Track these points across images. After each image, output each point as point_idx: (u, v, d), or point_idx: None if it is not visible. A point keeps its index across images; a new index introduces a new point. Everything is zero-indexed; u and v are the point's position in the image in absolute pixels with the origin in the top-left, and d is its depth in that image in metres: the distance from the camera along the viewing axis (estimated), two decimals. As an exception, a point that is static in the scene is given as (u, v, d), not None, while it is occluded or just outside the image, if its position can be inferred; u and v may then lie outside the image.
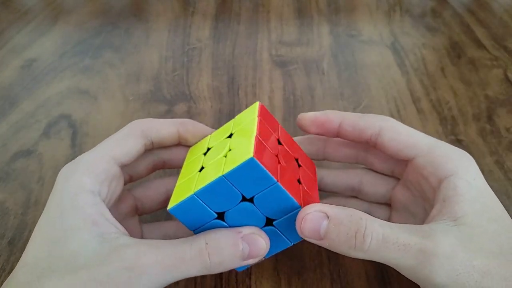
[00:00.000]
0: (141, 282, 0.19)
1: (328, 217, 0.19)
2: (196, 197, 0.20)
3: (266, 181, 0.20)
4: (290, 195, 0.20)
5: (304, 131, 0.25)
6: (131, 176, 0.26)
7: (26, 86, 0.43)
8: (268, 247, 0.21)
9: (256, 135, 0.21)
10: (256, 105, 0.24)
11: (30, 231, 0.29)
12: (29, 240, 0.20)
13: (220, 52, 0.48)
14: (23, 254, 0.20)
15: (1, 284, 0.26)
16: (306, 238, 0.20)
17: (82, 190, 0.20)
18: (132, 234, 0.22)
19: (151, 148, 0.25)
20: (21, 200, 0.31)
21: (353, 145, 0.26)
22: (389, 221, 0.21)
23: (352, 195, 0.27)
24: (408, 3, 0.57)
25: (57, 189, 0.21)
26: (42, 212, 0.30)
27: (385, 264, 0.26)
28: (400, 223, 0.20)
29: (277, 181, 0.19)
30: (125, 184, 0.25)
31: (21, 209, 0.30)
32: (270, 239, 0.22)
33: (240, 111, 0.31)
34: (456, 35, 0.49)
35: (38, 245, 0.20)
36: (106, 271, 0.18)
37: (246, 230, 0.21)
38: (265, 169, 0.19)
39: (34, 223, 0.29)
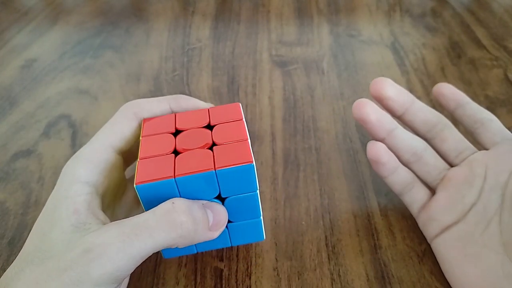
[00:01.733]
0: (101, 262, 0.17)
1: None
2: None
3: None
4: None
5: (439, 98, 0.29)
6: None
7: (26, 86, 0.43)
8: (227, 218, 0.21)
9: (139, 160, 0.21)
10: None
11: (30, 231, 0.29)
12: None
13: (220, 52, 0.48)
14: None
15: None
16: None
17: (76, 181, 0.20)
18: None
19: None
20: (21, 200, 0.31)
21: (434, 114, 0.28)
22: (431, 198, 0.26)
23: (409, 161, 0.28)
24: (408, 3, 0.57)
25: (56, 184, 0.21)
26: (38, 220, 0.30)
27: (385, 265, 0.26)
28: (446, 200, 0.25)
29: (174, 177, 0.19)
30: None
31: (21, 209, 0.30)
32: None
33: (240, 111, 0.31)
34: (456, 35, 0.49)
35: (30, 237, 0.20)
36: (69, 258, 0.18)
37: (204, 201, 0.21)
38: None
39: (34, 224, 0.29)
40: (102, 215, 0.21)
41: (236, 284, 0.25)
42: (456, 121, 0.29)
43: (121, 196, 0.24)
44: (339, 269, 0.26)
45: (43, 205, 0.31)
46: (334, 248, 0.27)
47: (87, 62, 0.46)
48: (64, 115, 0.39)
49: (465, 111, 0.28)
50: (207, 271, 0.26)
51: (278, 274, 0.26)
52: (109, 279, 0.18)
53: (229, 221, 0.22)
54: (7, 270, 0.20)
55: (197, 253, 0.26)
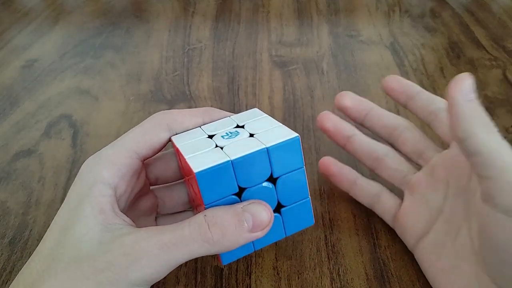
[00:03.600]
0: (140, 266, 0.18)
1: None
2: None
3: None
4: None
5: (390, 93, 0.28)
6: (158, 177, 0.25)
7: (27, 86, 0.43)
8: (272, 217, 0.21)
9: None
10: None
11: (31, 231, 0.29)
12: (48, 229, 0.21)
13: (220, 52, 0.48)
14: (40, 242, 0.20)
15: (1, 283, 0.26)
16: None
17: (99, 181, 0.21)
18: None
19: None
20: (22, 200, 0.31)
21: (394, 118, 0.28)
22: (400, 206, 0.26)
23: (372, 167, 0.28)
24: (408, 3, 0.57)
25: (77, 180, 0.21)
26: (43, 212, 0.30)
27: (385, 264, 0.26)
28: (413, 209, 0.25)
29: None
30: (151, 185, 0.25)
31: (22, 209, 0.30)
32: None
33: (240, 111, 0.31)
34: (455, 35, 0.49)
35: (51, 232, 0.20)
36: (106, 259, 0.18)
37: (247, 202, 0.21)
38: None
39: (35, 223, 0.30)
40: (126, 217, 0.21)
41: (236, 283, 0.25)
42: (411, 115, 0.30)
43: (135, 202, 0.24)
44: (338, 268, 0.26)
45: (44, 204, 0.31)
46: (333, 247, 0.27)
47: (88, 62, 0.47)
48: (65, 115, 0.39)
49: (416, 103, 0.27)
50: (207, 270, 0.26)
51: (278, 273, 0.26)
52: (144, 282, 0.19)
53: (281, 206, 0.22)
54: (28, 265, 0.20)
55: None
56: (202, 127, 0.24)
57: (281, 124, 0.22)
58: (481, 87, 0.41)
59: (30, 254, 0.20)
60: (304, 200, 0.23)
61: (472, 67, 0.44)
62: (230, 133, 0.22)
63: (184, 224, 0.19)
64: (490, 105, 0.38)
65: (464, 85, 0.20)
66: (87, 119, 0.39)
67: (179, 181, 0.26)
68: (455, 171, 0.24)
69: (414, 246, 0.25)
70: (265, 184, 0.21)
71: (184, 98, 0.41)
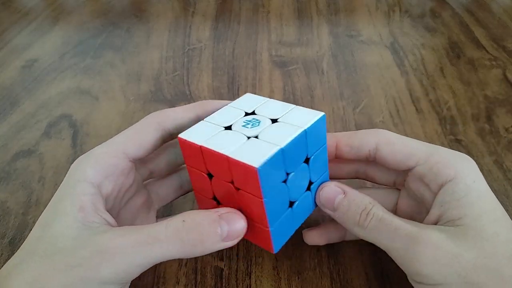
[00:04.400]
0: (113, 264, 0.18)
1: (344, 192, 0.23)
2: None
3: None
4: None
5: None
6: (152, 171, 0.26)
7: (27, 87, 0.43)
8: (245, 228, 0.21)
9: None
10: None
11: (31, 231, 0.29)
12: None
13: (220, 52, 0.48)
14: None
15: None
16: (321, 206, 0.23)
17: (82, 180, 0.21)
18: None
19: (171, 138, 0.25)
20: (22, 200, 0.31)
21: (352, 162, 0.26)
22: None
23: None
24: (408, 3, 0.57)
25: (64, 179, 0.22)
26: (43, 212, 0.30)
27: (385, 264, 0.26)
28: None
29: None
30: (145, 179, 0.25)
31: (22, 209, 0.30)
32: (300, 208, 0.22)
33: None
34: (455, 35, 0.49)
35: (34, 229, 0.20)
36: (80, 255, 0.18)
37: (224, 210, 0.21)
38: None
39: (35, 223, 0.29)
40: (108, 216, 0.21)
41: (236, 283, 0.25)
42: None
43: (128, 200, 0.24)
44: (338, 268, 0.26)
45: (44, 204, 0.31)
46: (333, 247, 0.27)
47: (88, 62, 0.47)
48: (65, 115, 0.39)
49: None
50: (207, 270, 0.26)
51: (278, 273, 0.26)
52: (117, 280, 0.19)
53: (311, 183, 0.23)
54: (8, 261, 0.20)
55: None
56: (206, 120, 0.23)
57: (292, 105, 0.23)
58: (481, 87, 0.41)
59: (30, 254, 0.20)
60: (325, 173, 0.24)
61: (472, 67, 0.44)
62: (249, 121, 0.22)
63: (161, 226, 0.19)
64: (490, 105, 0.38)
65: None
66: (87, 119, 0.39)
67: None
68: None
69: None
70: (303, 165, 0.21)
71: (184, 98, 0.41)
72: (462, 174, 0.21)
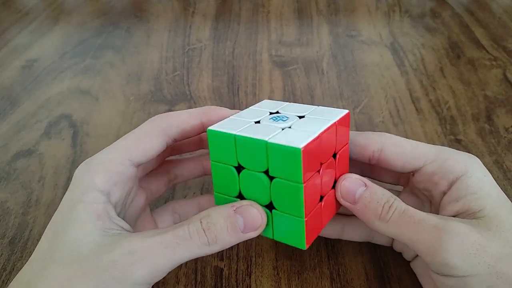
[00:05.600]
0: (147, 264, 0.19)
1: (366, 185, 0.22)
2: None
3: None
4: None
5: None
6: (144, 168, 0.26)
7: (27, 86, 0.43)
8: (265, 219, 0.21)
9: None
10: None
11: (31, 231, 0.29)
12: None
13: (220, 52, 0.48)
14: (34, 251, 0.21)
15: (1, 283, 0.26)
16: (340, 199, 0.23)
17: (91, 189, 0.21)
18: (146, 226, 0.24)
19: (175, 142, 0.25)
20: (22, 200, 0.31)
21: (356, 163, 0.26)
22: None
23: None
24: (408, 3, 0.57)
25: (70, 187, 0.22)
26: (43, 212, 0.30)
27: (385, 264, 0.26)
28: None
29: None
30: (139, 176, 0.25)
31: (22, 209, 0.30)
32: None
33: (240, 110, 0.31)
34: (455, 35, 0.49)
35: (45, 238, 0.20)
36: (110, 258, 0.19)
37: (239, 204, 0.21)
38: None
39: (35, 223, 0.30)
40: (123, 223, 0.21)
41: (236, 283, 0.25)
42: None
43: (130, 203, 0.24)
44: (338, 268, 0.26)
45: (44, 204, 0.31)
46: (333, 247, 0.27)
47: (88, 62, 0.47)
48: (65, 115, 0.39)
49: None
50: (207, 271, 0.26)
51: (278, 273, 0.26)
52: (148, 279, 0.19)
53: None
54: (22, 270, 0.20)
55: None
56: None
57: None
58: (481, 87, 0.41)
59: (30, 254, 0.20)
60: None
61: (472, 67, 0.44)
62: (277, 117, 0.22)
63: (183, 227, 0.20)
64: (490, 105, 0.38)
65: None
66: (87, 119, 0.39)
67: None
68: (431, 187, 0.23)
69: (411, 262, 0.25)
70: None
71: (184, 98, 0.41)
72: (472, 169, 0.22)
